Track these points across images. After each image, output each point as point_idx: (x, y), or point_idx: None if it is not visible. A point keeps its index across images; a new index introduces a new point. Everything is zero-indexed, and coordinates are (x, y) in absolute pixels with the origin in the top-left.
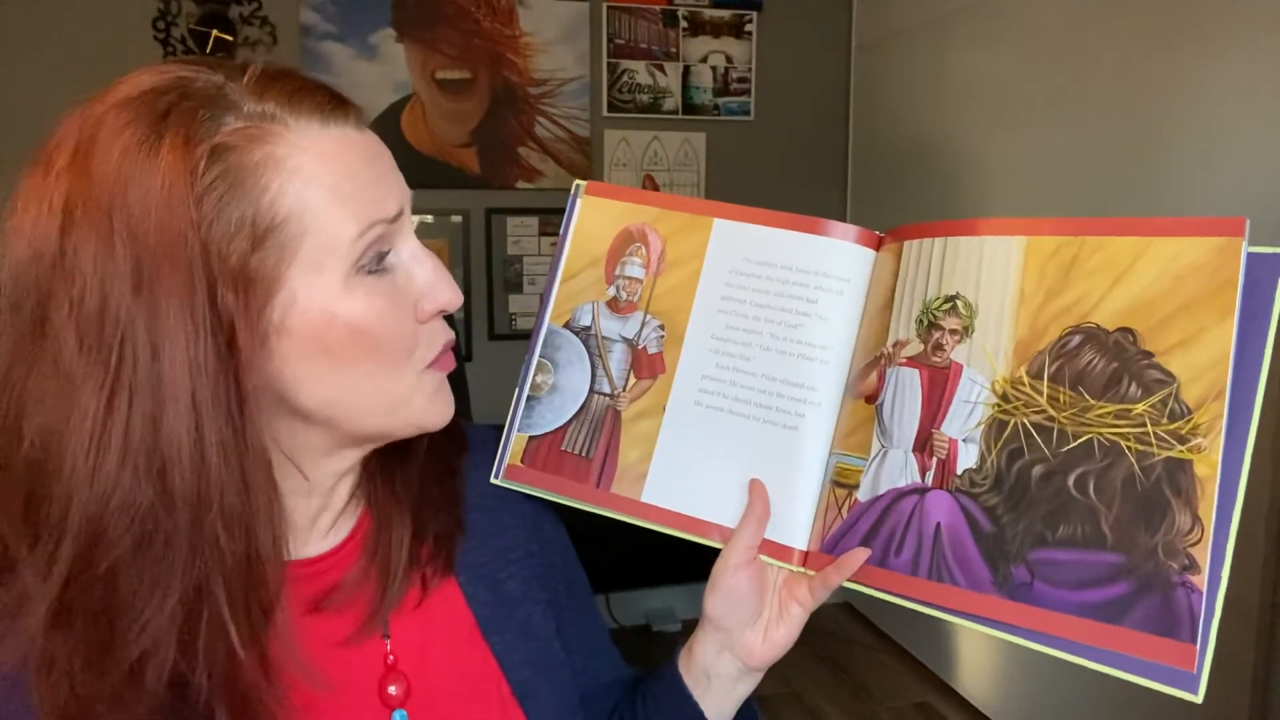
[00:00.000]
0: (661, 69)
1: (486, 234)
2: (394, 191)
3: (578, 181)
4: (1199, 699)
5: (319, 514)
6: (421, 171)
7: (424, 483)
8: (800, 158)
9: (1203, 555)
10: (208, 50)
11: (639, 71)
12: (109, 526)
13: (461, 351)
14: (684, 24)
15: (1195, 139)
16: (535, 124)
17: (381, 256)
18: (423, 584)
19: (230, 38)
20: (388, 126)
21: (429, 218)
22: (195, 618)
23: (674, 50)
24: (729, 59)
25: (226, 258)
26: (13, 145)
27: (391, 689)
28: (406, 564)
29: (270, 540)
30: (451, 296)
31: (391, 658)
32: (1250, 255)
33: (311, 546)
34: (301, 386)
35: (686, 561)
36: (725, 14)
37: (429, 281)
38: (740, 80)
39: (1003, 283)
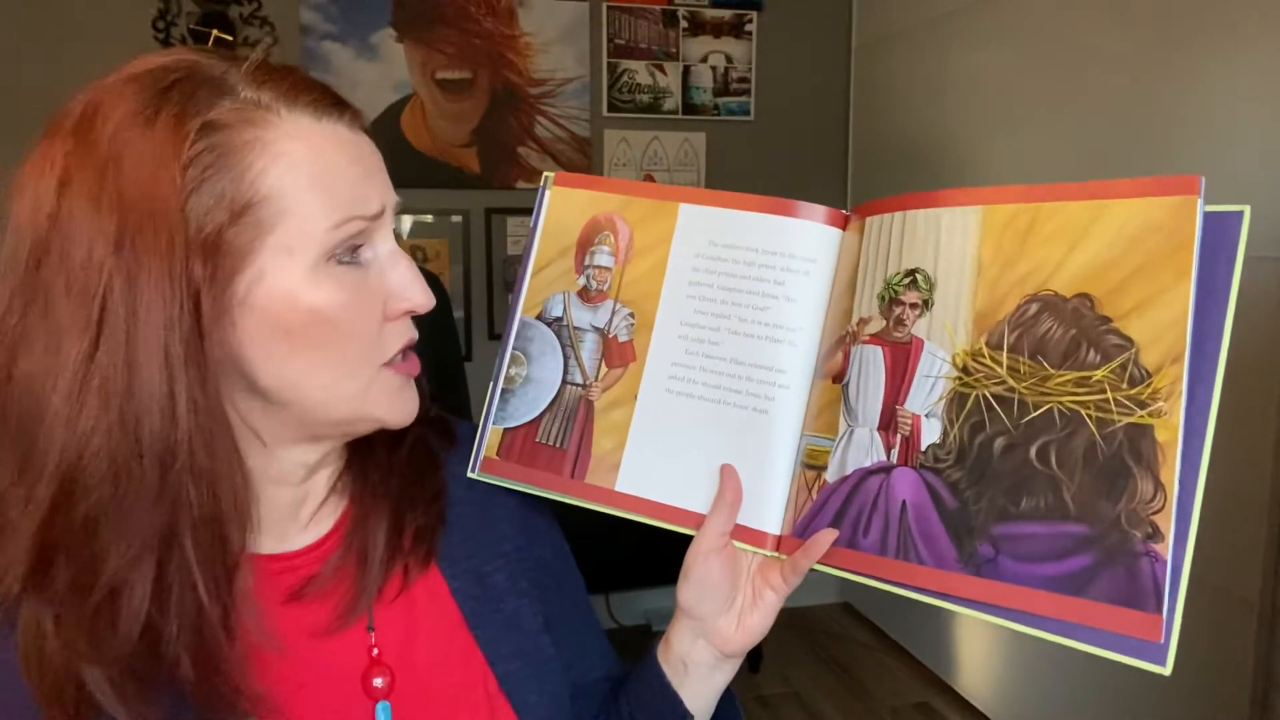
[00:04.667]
0: (661, 69)
1: (486, 234)
2: (377, 191)
3: (546, 174)
4: (1167, 670)
5: (299, 505)
6: (421, 171)
7: (406, 476)
8: (800, 158)
9: (1166, 522)
10: None
11: (639, 71)
12: (85, 471)
13: (462, 351)
14: (684, 24)
15: (1196, 139)
16: (535, 124)
17: (355, 250)
18: (404, 574)
19: (230, 38)
20: (388, 126)
21: (429, 217)
22: (165, 566)
23: (674, 50)
24: (729, 59)
25: (203, 227)
26: (13, 143)
27: (376, 681)
28: (385, 555)
29: (232, 501)
30: (423, 299)
31: (376, 650)
32: (1210, 215)
33: (292, 540)
34: (261, 365)
35: None
36: (725, 14)
37: (402, 282)
38: (740, 80)
39: (960, 254)
